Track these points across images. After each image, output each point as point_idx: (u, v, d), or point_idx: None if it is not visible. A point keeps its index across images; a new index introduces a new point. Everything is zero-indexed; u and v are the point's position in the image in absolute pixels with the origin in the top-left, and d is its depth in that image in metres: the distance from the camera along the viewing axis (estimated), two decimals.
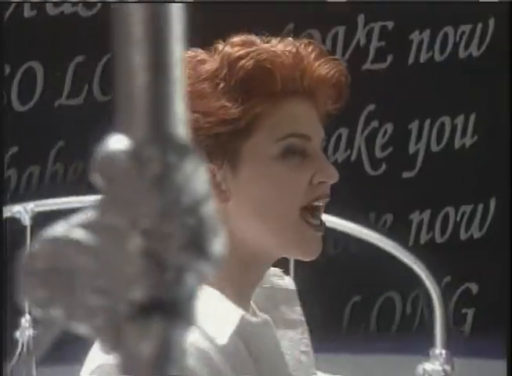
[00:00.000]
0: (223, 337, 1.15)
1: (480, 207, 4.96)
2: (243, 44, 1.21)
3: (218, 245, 0.39)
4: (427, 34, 5.00)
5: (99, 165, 0.38)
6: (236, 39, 1.23)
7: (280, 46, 1.22)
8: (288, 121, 1.19)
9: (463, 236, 4.98)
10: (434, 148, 4.91)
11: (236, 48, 1.20)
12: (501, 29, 4.97)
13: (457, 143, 5.00)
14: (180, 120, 0.39)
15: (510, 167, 3.26)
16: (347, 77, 1.27)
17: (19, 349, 2.75)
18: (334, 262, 3.93)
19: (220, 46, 1.23)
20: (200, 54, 1.24)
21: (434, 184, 4.88)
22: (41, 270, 0.40)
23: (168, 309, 0.38)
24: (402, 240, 2.89)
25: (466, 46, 5.10)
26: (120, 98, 0.39)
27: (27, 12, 4.09)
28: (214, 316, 1.15)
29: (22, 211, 2.70)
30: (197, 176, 0.38)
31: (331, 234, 2.51)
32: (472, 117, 4.94)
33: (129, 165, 0.38)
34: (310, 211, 1.22)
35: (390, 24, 4.92)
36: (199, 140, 1.16)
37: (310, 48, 1.24)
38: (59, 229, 0.39)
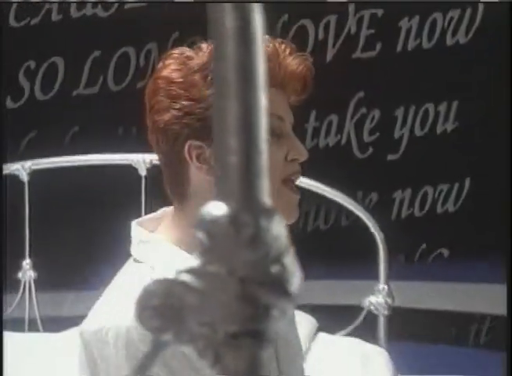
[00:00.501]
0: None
1: (456, 185, 5.13)
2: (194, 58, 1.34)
3: (296, 285, 0.49)
4: (415, 20, 5.00)
5: (203, 226, 0.48)
6: (183, 56, 1.36)
7: (275, 45, 1.35)
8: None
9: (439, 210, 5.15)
10: (418, 133, 5.02)
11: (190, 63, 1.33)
12: (490, 14, 5.00)
13: (439, 129, 5.11)
14: (266, 189, 0.49)
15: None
16: (313, 71, 1.39)
17: (21, 289, 2.87)
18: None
19: (204, 45, 1.35)
20: (186, 51, 1.35)
21: (417, 166, 5.05)
22: (155, 305, 0.50)
23: (257, 336, 0.48)
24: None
25: (454, 33, 5.03)
26: (219, 173, 0.49)
27: (55, 16, 4.30)
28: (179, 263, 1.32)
29: (20, 168, 2.80)
30: (281, 234, 0.48)
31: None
32: (455, 104, 5.03)
33: (228, 227, 0.47)
34: (289, 183, 1.37)
35: (380, 12, 4.88)
36: (192, 122, 1.30)
37: (283, 46, 1.36)
38: (170, 273, 0.50)
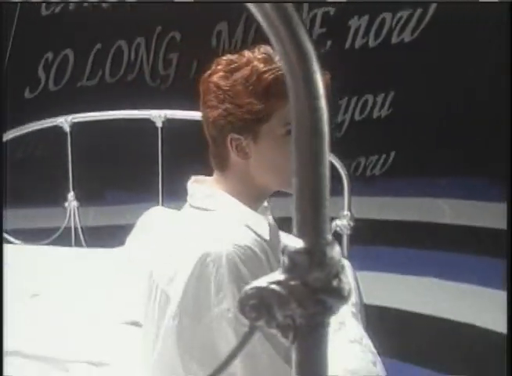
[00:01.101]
0: (266, 234, 1.38)
1: (383, 157, 5.28)
2: (266, 61, 1.33)
3: (348, 292, 0.58)
4: (365, 19, 4.68)
5: (287, 253, 0.57)
6: (262, 55, 1.34)
7: None
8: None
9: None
10: (357, 118, 5.04)
11: (261, 65, 1.32)
12: (440, 14, 4.76)
13: (375, 114, 5.10)
14: (327, 226, 0.58)
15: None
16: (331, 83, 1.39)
17: (67, 218, 2.89)
18: None
19: (247, 55, 1.35)
20: (233, 62, 1.35)
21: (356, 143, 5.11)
22: (252, 304, 0.58)
23: (323, 325, 0.58)
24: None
25: (401, 32, 4.82)
26: (298, 217, 0.57)
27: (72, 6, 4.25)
28: (254, 223, 1.38)
29: (63, 121, 2.80)
30: (338, 258, 0.58)
31: None
32: (391, 95, 4.97)
33: (304, 256, 0.56)
34: None
35: (332, 10, 4.62)
36: (232, 120, 1.34)
37: None
38: (262, 282, 0.58)
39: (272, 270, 1.32)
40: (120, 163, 4.09)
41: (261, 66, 1.32)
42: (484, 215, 5.32)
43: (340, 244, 2.76)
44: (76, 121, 2.81)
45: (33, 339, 1.98)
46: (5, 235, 2.78)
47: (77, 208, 2.89)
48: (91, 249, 2.83)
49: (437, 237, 4.92)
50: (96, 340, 2.01)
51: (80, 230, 2.89)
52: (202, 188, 1.43)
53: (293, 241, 0.57)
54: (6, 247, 2.77)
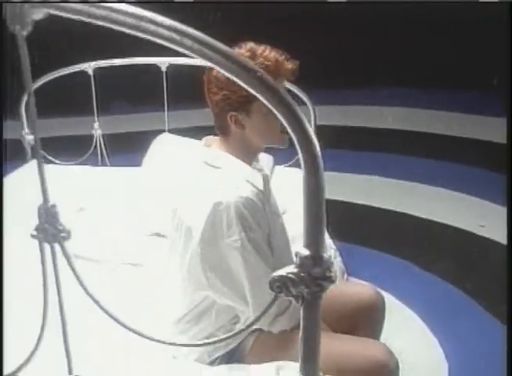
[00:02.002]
0: (261, 187, 1.52)
1: None
2: (252, 56, 1.45)
3: (336, 278, 0.79)
4: None
5: (300, 256, 0.77)
6: (247, 52, 1.46)
7: (271, 56, 1.47)
8: None
9: None
10: None
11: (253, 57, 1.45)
12: None
13: None
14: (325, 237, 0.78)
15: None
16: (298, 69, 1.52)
17: (94, 143, 2.98)
18: None
19: (243, 50, 1.47)
20: None
21: None
22: (277, 284, 0.80)
23: (320, 296, 0.80)
24: None
25: None
26: (305, 232, 0.77)
27: None
28: (253, 178, 1.52)
29: (87, 66, 2.83)
30: (332, 256, 0.78)
31: None
32: None
33: (310, 260, 0.77)
34: (283, 133, 1.51)
35: None
36: (230, 102, 1.48)
37: (282, 57, 1.49)
38: (283, 272, 0.79)
39: (266, 213, 1.49)
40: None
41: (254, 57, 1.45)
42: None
43: None
44: (97, 66, 2.85)
45: (85, 245, 2.04)
46: (48, 156, 2.85)
47: (102, 135, 2.99)
48: (116, 168, 2.92)
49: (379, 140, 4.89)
50: (132, 247, 2.20)
51: (105, 153, 3.01)
52: (210, 150, 1.57)
53: (302, 249, 0.78)
54: (47, 167, 2.89)
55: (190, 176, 1.58)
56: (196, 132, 2.46)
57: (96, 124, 2.98)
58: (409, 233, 3.46)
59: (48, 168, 2.56)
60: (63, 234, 0.79)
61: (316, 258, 0.77)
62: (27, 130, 2.84)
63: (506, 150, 2.76)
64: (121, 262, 2.08)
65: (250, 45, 1.49)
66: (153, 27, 0.67)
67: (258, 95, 0.73)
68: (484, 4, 5.36)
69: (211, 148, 1.58)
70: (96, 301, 0.84)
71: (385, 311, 1.85)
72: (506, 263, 2.03)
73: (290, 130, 0.72)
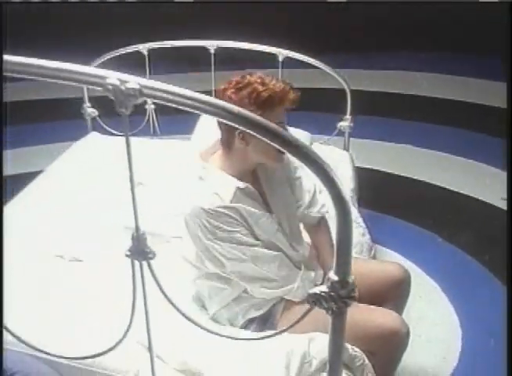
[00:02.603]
0: (229, 197, 1.67)
1: None
2: (262, 83, 1.64)
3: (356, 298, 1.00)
4: None
5: (331, 281, 0.98)
6: (259, 79, 1.65)
7: (278, 85, 1.65)
8: (277, 117, 1.62)
9: None
10: None
11: (260, 86, 1.63)
12: None
13: None
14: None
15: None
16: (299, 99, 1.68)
17: (147, 114, 3.13)
18: None
19: (248, 78, 1.65)
20: (240, 83, 1.65)
21: None
22: (312, 300, 1.02)
23: (344, 311, 1.01)
24: None
25: None
26: (336, 262, 0.98)
27: None
28: (226, 187, 1.69)
29: (142, 47, 2.99)
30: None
31: None
32: None
33: (338, 284, 0.98)
34: (280, 153, 1.68)
35: None
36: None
37: (288, 87, 1.66)
38: (317, 290, 1.01)
39: (236, 219, 1.68)
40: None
41: (260, 87, 1.63)
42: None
43: (344, 138, 3.00)
44: (151, 47, 3.00)
45: (142, 219, 2.28)
46: (108, 129, 3.05)
47: (154, 110, 3.15)
48: (168, 141, 3.09)
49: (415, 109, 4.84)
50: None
51: (157, 126, 3.19)
52: (203, 164, 1.75)
53: (332, 275, 0.99)
54: (106, 138, 3.10)
55: (185, 185, 1.79)
56: None
57: (150, 103, 3.13)
58: (435, 204, 3.56)
59: (106, 139, 2.73)
60: (150, 255, 1.02)
61: (343, 282, 0.98)
62: (88, 103, 3.05)
63: None
64: (173, 235, 2.21)
65: (259, 74, 1.68)
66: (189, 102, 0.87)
67: (293, 156, 0.91)
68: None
69: (206, 162, 1.75)
70: (172, 303, 1.07)
71: (410, 287, 2.02)
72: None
73: (323, 185, 0.91)
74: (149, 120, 3.18)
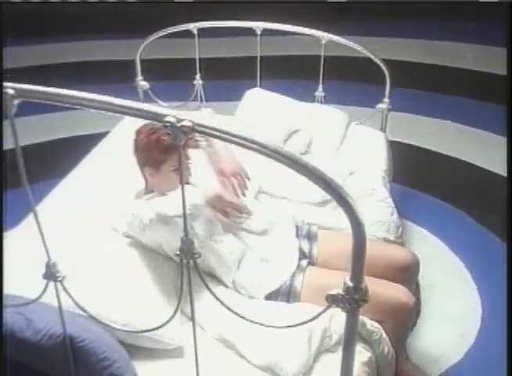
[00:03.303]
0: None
1: None
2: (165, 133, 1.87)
3: (369, 300, 1.18)
4: None
5: (347, 286, 1.16)
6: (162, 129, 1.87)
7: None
8: (177, 160, 1.77)
9: None
10: None
11: (163, 135, 1.83)
12: None
13: None
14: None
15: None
16: None
17: (195, 91, 3.31)
18: None
19: (155, 127, 1.87)
20: (145, 132, 1.93)
21: None
22: (329, 299, 1.20)
23: (357, 310, 1.19)
24: None
25: None
26: (352, 269, 1.16)
27: None
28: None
29: (192, 26, 3.11)
30: None
31: None
32: None
33: (353, 289, 1.15)
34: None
35: None
36: (148, 162, 1.95)
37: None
38: (335, 291, 1.19)
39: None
40: None
41: (163, 136, 1.85)
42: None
43: (382, 120, 3.10)
44: (200, 27, 3.14)
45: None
46: (156, 99, 3.23)
47: (202, 84, 3.32)
48: (215, 114, 3.19)
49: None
50: None
51: (204, 100, 3.36)
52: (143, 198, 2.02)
53: (348, 281, 1.16)
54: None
55: None
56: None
57: (198, 76, 3.30)
58: (469, 184, 3.60)
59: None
60: (196, 255, 1.22)
61: (357, 288, 1.16)
62: (140, 77, 3.23)
63: None
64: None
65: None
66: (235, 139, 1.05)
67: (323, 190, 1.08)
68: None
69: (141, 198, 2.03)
70: (214, 295, 1.27)
71: (418, 274, 2.16)
72: None
73: (346, 217, 1.08)
74: (197, 94, 3.36)
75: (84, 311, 1.35)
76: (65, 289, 1.29)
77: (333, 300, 1.18)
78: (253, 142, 1.04)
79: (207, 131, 1.05)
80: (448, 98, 4.61)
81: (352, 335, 1.22)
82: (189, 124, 1.04)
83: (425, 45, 5.63)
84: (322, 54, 2.99)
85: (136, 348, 1.63)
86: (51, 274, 1.26)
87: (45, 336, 1.38)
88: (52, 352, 1.39)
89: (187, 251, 1.21)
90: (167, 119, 1.04)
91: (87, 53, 5.68)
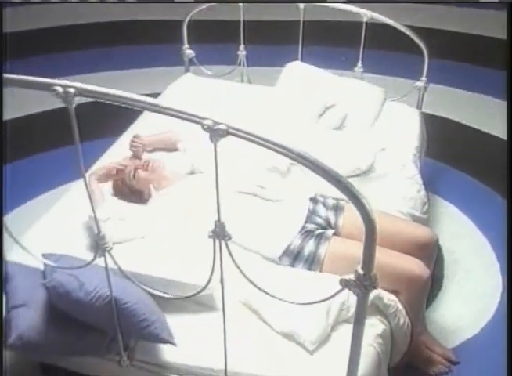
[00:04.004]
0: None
1: None
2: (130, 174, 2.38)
3: (378, 286, 1.32)
4: None
5: (357, 274, 1.30)
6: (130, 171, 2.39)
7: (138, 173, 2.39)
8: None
9: None
10: None
11: (127, 177, 2.38)
12: None
13: None
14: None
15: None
16: None
17: (238, 61, 3.34)
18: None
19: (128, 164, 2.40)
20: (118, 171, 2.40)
21: None
22: (342, 284, 1.35)
23: (366, 295, 1.33)
24: None
25: None
26: (363, 260, 1.29)
27: None
28: None
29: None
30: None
31: None
32: None
33: (363, 277, 1.29)
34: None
35: None
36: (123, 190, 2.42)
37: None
38: (348, 277, 1.33)
39: None
40: None
41: (126, 177, 2.38)
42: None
43: (418, 97, 3.10)
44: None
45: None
46: (201, 67, 3.34)
47: (245, 56, 3.36)
48: (255, 86, 3.33)
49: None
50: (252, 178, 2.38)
51: (246, 72, 3.42)
52: None
53: (359, 269, 1.30)
54: (201, 79, 3.36)
55: None
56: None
57: (242, 47, 3.36)
58: (503, 163, 3.47)
59: (200, 80, 3.09)
60: (227, 237, 1.38)
61: (367, 275, 1.30)
62: (187, 45, 3.33)
63: None
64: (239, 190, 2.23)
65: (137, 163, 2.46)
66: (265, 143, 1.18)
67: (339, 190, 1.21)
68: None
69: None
70: (246, 276, 1.44)
71: (436, 252, 2.23)
72: None
73: (358, 215, 1.21)
74: (240, 64, 3.42)
75: (129, 279, 1.53)
76: (112, 258, 1.47)
77: (345, 284, 1.32)
78: (279, 146, 1.17)
79: (241, 134, 1.18)
80: (487, 71, 4.49)
81: (362, 314, 1.37)
82: (225, 127, 1.18)
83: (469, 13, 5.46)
84: (363, 31, 3.02)
85: (171, 304, 1.78)
86: (99, 246, 1.44)
87: (94, 297, 1.56)
88: (100, 311, 1.59)
89: (220, 233, 1.36)
90: (205, 122, 1.18)
91: (135, 12, 5.77)
